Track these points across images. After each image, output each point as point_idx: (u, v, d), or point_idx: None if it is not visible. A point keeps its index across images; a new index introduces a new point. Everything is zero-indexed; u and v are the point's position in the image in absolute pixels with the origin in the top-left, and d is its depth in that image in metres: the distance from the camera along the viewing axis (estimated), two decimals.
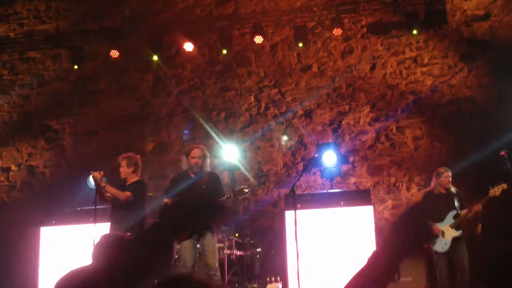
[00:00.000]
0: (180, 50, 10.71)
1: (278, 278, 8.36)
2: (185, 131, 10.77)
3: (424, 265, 8.09)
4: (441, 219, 7.96)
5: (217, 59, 10.80)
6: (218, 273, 7.33)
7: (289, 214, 8.38)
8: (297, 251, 7.30)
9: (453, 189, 8.08)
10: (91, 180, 7.99)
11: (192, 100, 10.83)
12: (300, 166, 10.01)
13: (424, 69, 10.01)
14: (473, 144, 9.01)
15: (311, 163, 9.39)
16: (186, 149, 7.85)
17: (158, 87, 11.04)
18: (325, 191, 9.56)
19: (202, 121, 10.57)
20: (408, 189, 9.69)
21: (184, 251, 7.23)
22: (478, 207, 7.72)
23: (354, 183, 9.86)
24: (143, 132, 10.87)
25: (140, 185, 7.93)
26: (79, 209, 9.27)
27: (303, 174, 9.17)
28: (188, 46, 10.46)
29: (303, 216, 8.10)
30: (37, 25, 11.56)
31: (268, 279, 8.31)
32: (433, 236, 7.88)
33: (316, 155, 9.31)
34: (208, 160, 7.70)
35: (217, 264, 7.34)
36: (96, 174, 7.75)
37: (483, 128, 9.21)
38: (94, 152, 10.76)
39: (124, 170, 7.87)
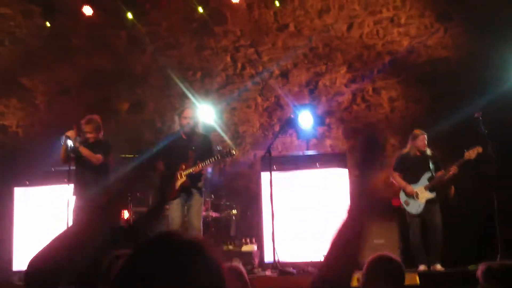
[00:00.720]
0: (155, 5, 10.49)
1: (254, 240, 8.44)
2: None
3: (396, 227, 8.21)
4: (415, 181, 8.07)
5: (193, 16, 10.60)
6: (201, 234, 7.43)
7: (265, 176, 8.42)
8: (272, 212, 7.37)
9: (428, 152, 8.17)
10: (65, 140, 7.86)
11: (167, 58, 10.67)
12: (277, 128, 10.02)
13: (401, 29, 9.93)
14: (448, 106, 9.06)
15: (287, 124, 9.41)
16: (179, 109, 7.81)
17: (133, 44, 10.85)
18: (301, 153, 9.60)
19: (177, 80, 10.45)
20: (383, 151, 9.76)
21: (172, 210, 7.31)
22: (453, 169, 7.81)
23: (330, 145, 9.90)
24: (118, 90, 10.73)
25: (108, 147, 7.92)
26: (53, 169, 9.21)
27: (280, 136, 9.20)
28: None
29: (278, 178, 8.14)
30: None
31: (243, 240, 8.38)
32: (409, 197, 8.05)
33: (292, 116, 9.31)
34: (201, 123, 7.74)
35: (201, 225, 7.42)
36: (71, 133, 7.65)
37: (459, 89, 9.25)
38: (67, 110, 10.60)
39: (93, 135, 7.76)
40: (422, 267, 7.66)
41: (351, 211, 1.86)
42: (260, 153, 9.41)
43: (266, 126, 10.21)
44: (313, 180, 8.55)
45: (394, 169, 8.32)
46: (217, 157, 7.42)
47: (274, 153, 8.66)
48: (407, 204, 8.08)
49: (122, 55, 10.84)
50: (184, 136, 7.60)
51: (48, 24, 10.69)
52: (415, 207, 8.01)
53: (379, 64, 9.95)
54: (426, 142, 8.14)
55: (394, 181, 8.29)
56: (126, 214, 9.30)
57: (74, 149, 7.62)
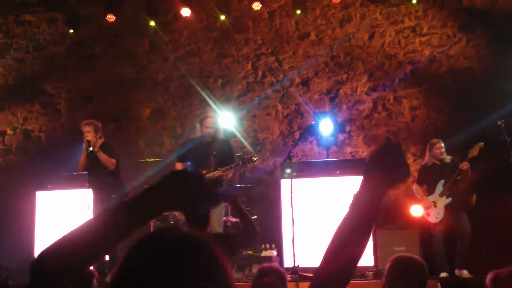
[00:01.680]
0: (177, 15, 10.61)
1: (273, 246, 8.42)
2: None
3: (417, 234, 8.14)
4: (431, 191, 8.09)
5: (215, 25, 10.70)
6: (221, 228, 7.43)
7: (284, 183, 8.41)
8: (292, 219, 7.35)
9: (448, 159, 8.11)
10: (86, 144, 7.92)
11: (188, 66, 10.76)
12: (297, 135, 10.01)
13: (423, 38, 9.95)
14: (470, 115, 9.01)
15: (308, 132, 9.42)
16: (200, 117, 7.83)
17: (155, 53, 10.96)
18: (321, 159, 9.58)
19: (198, 88, 10.52)
20: None
21: None
22: (465, 165, 7.79)
23: (350, 153, 9.88)
24: (139, 97, 10.82)
25: (113, 148, 7.98)
26: (74, 173, 9.26)
27: (300, 143, 9.20)
28: (185, 12, 10.39)
29: (298, 185, 8.13)
30: None
31: (263, 246, 8.37)
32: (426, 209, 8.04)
33: (312, 123, 9.31)
34: (221, 129, 7.75)
35: (221, 231, 7.42)
36: (91, 137, 7.72)
37: (480, 99, 9.20)
38: (89, 117, 10.68)
39: (93, 135, 7.81)
40: (443, 274, 7.60)
41: (360, 214, 1.70)
42: (280, 160, 9.41)
43: (286, 133, 10.22)
44: (333, 187, 8.53)
45: (416, 182, 8.30)
46: (238, 163, 7.44)
47: (294, 160, 8.66)
48: (428, 215, 8.08)
49: (144, 63, 10.94)
50: (205, 142, 7.61)
51: (71, 31, 10.87)
52: (434, 216, 7.99)
53: (400, 74, 9.93)
54: (443, 150, 8.08)
55: (415, 193, 8.30)
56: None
57: (93, 154, 7.69)
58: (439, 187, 8.00)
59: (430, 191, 8.12)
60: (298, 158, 9.84)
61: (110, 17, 10.55)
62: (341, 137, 9.89)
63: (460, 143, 8.38)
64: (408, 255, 3.73)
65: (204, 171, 7.40)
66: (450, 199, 7.92)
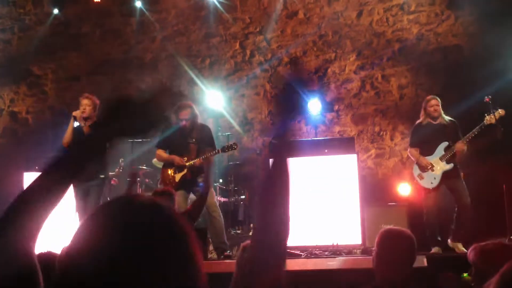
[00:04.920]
0: None
1: None
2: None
3: (404, 211, 8.03)
4: (430, 152, 7.42)
5: (202, 4, 10.61)
6: (218, 209, 7.32)
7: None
8: None
9: (446, 119, 7.52)
10: (72, 120, 7.68)
11: (176, 46, 10.69)
12: None
13: (411, 16, 9.91)
14: (459, 93, 9.01)
15: None
16: (175, 107, 7.54)
17: (142, 32, 10.88)
18: (309, 139, 9.59)
19: (186, 67, 10.46)
20: (391, 138, 9.73)
21: (178, 203, 7.11)
22: (472, 135, 7.20)
23: (339, 132, 9.89)
24: (127, 77, 10.74)
25: None
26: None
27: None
28: None
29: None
30: None
31: (251, 225, 8.39)
32: (422, 170, 7.41)
33: None
34: (198, 117, 7.60)
35: (216, 202, 7.40)
36: (78, 112, 7.53)
37: (469, 76, 9.18)
38: (77, 97, 10.62)
39: (88, 109, 7.55)
40: (435, 249, 7.18)
41: (274, 163, 1.73)
42: (269, 139, 9.41)
43: (273, 112, 10.21)
44: (321, 166, 8.54)
45: (411, 144, 7.66)
46: (218, 151, 7.39)
47: None
48: (421, 178, 7.40)
49: (131, 43, 10.86)
50: (184, 129, 7.47)
51: (56, 11, 10.76)
52: (429, 180, 7.33)
53: (388, 52, 9.91)
54: (439, 108, 7.44)
55: (411, 157, 7.69)
56: None
57: (79, 129, 7.49)
58: (440, 150, 7.34)
59: (423, 152, 7.45)
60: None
61: None
62: (329, 116, 9.90)
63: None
64: (397, 228, 3.69)
65: (185, 158, 7.36)
66: (451, 165, 7.26)
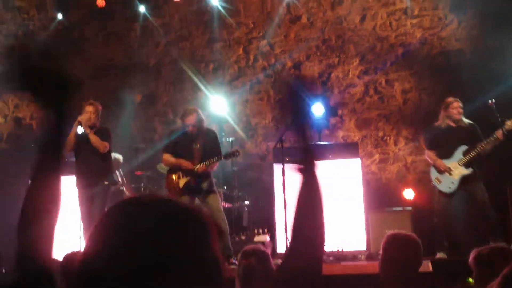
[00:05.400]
0: None
1: (266, 230, 8.43)
2: None
3: (408, 216, 7.99)
4: (449, 155, 7.29)
5: (206, 9, 10.63)
6: (223, 214, 7.40)
7: (277, 167, 8.41)
8: (285, 203, 7.35)
9: (466, 122, 7.39)
10: (76, 124, 7.62)
11: (180, 51, 10.71)
12: (289, 120, 9.96)
13: (414, 21, 9.91)
14: (462, 97, 8.99)
15: None
16: (182, 113, 7.64)
17: (146, 37, 10.89)
18: (313, 143, 9.57)
19: (190, 73, 10.48)
20: (395, 143, 9.72)
21: None
22: (500, 134, 6.98)
23: (342, 137, 9.88)
24: (130, 82, 10.76)
25: (109, 132, 7.73)
26: (66, 160, 9.23)
27: (292, 127, 9.15)
28: None
29: (291, 169, 8.11)
30: None
31: (255, 231, 8.38)
32: (440, 174, 7.29)
33: None
34: (204, 122, 7.59)
35: (221, 207, 7.46)
36: (83, 117, 7.47)
37: (472, 80, 9.15)
38: (80, 101, 10.66)
39: (92, 117, 7.55)
40: (440, 255, 7.13)
41: (305, 175, 1.76)
42: (272, 145, 9.41)
43: (278, 118, 10.20)
44: (325, 171, 8.51)
45: (427, 147, 7.52)
46: (221, 158, 7.39)
47: (286, 144, 8.63)
48: (439, 181, 7.26)
49: (135, 48, 10.88)
50: (189, 134, 7.48)
51: (60, 16, 10.78)
52: (447, 184, 7.21)
53: (392, 56, 9.91)
54: (460, 110, 7.32)
55: (428, 159, 7.52)
56: None
57: (83, 135, 7.44)
58: (458, 154, 7.22)
59: (441, 155, 7.34)
60: (291, 142, 9.83)
61: (100, 2, 10.45)
62: (333, 120, 9.89)
63: None
64: (403, 232, 3.70)
65: (189, 164, 7.36)
66: (470, 169, 7.15)
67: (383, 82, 9.89)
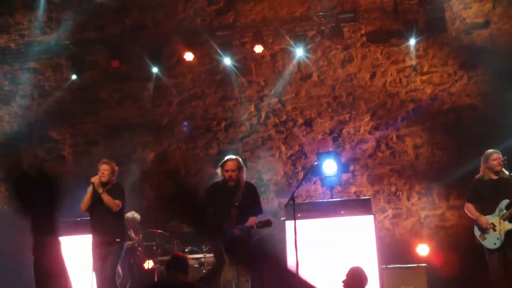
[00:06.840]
0: (181, 59, 10.72)
1: None
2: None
3: (424, 272, 7.87)
4: (491, 210, 6.99)
5: (218, 68, 10.82)
6: (249, 275, 6.90)
7: (289, 224, 8.35)
8: (297, 260, 7.26)
9: (506, 174, 7.07)
10: (91, 186, 7.71)
11: (192, 109, 10.85)
12: (301, 175, 9.99)
13: (424, 77, 10.01)
14: (474, 152, 8.95)
15: (311, 172, 9.37)
16: (222, 161, 7.20)
17: (159, 96, 11.06)
18: (325, 200, 9.54)
19: (203, 130, 10.59)
20: (408, 198, 9.66)
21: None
22: None
23: (355, 192, 9.85)
24: (144, 141, 10.88)
25: (123, 190, 7.77)
26: (79, 219, 9.25)
27: (304, 183, 9.15)
28: (189, 56, 10.49)
29: (303, 226, 8.07)
30: (38, 35, 11.57)
31: None
32: (483, 231, 7.00)
33: (316, 163, 9.27)
34: (244, 171, 7.21)
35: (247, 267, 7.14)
36: (96, 179, 7.57)
37: (484, 135, 9.16)
38: (95, 161, 10.74)
39: (109, 175, 7.61)
40: None
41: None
42: (284, 201, 9.37)
43: (290, 174, 10.22)
44: (338, 228, 8.46)
45: (468, 199, 7.23)
46: (254, 227, 7.03)
47: (298, 200, 8.59)
48: (483, 238, 6.98)
49: (148, 107, 11.04)
50: (227, 190, 7.00)
51: (75, 77, 11.01)
52: (492, 241, 6.92)
53: (403, 112, 9.97)
54: (501, 162, 7.03)
55: (468, 214, 7.23)
56: (150, 264, 9.28)
57: (97, 196, 7.55)
58: (501, 209, 6.91)
59: (483, 210, 7.05)
60: (303, 198, 9.81)
61: (115, 63, 10.66)
62: (345, 176, 9.87)
63: (463, 178, 8.24)
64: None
65: (225, 225, 6.81)
66: None
67: (395, 138, 9.91)
